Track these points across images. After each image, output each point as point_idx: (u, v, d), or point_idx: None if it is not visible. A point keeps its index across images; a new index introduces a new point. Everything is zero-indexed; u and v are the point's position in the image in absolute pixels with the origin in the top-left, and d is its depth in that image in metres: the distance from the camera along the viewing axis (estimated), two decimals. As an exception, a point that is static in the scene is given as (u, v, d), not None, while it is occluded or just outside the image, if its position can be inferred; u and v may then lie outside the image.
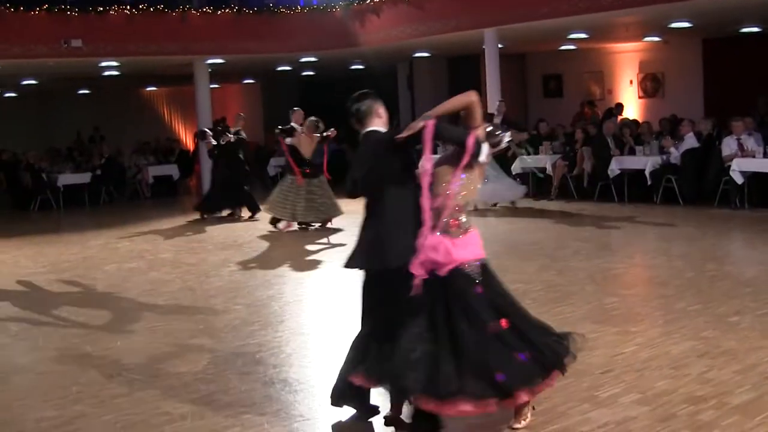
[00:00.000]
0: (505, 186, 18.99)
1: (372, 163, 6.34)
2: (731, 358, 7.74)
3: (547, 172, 20.78)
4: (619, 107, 25.24)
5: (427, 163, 6.14)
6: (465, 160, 6.12)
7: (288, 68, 29.14)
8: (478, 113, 6.27)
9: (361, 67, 29.55)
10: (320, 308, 10.81)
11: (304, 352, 8.74)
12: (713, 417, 6.34)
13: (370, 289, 6.40)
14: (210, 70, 25.23)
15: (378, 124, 6.51)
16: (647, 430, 6.13)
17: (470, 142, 6.09)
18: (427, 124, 6.03)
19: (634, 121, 22.90)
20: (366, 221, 6.42)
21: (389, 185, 6.26)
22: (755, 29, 22.21)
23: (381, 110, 6.56)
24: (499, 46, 21.77)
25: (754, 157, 17.50)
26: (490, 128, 6.45)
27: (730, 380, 7.16)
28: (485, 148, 6.24)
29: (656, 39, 24.73)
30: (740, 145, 17.76)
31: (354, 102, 6.56)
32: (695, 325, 8.90)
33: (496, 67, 21.53)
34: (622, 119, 23.18)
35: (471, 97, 6.25)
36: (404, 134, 6.13)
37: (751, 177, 17.49)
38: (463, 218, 6.30)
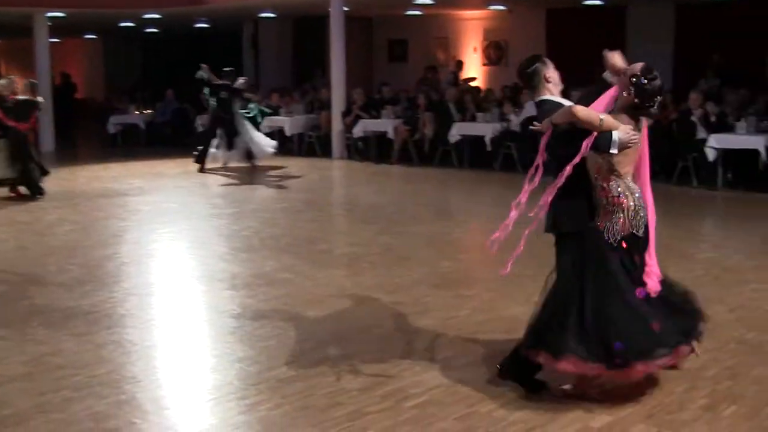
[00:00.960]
0: (256, 144, 19.27)
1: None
2: (561, 323, 7.93)
3: (388, 135, 20.88)
4: (460, 64, 25.62)
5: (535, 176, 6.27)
6: (568, 169, 6.05)
7: (131, 24, 28.60)
8: (589, 123, 5.92)
9: (206, 25, 29.21)
10: (157, 269, 10.70)
11: (139, 313, 8.61)
12: (545, 379, 6.48)
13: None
14: (50, 23, 24.57)
15: (550, 90, 6.34)
16: (477, 392, 6.24)
17: (584, 146, 5.97)
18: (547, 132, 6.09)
19: (477, 88, 23.20)
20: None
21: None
22: (597, 2, 22.67)
23: (549, 73, 6.36)
24: (346, 8, 21.75)
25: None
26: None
27: (558, 344, 7.33)
28: (616, 137, 5.96)
29: (501, 8, 25.01)
30: (578, 115, 18.15)
31: (522, 66, 6.44)
32: (529, 289, 9.00)
33: (341, 30, 21.54)
34: (464, 80, 23.43)
35: (575, 115, 5.95)
36: (534, 127, 6.18)
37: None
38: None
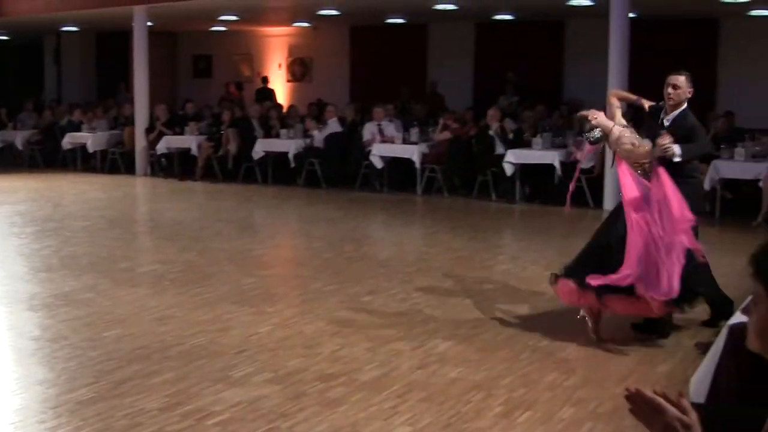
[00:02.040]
0: None
1: None
2: (362, 337, 8.03)
3: (192, 152, 20.70)
4: (265, 80, 25.81)
5: None
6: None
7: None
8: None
9: (5, 38, 28.48)
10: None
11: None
12: (342, 393, 6.57)
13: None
14: None
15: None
16: (278, 408, 6.27)
17: None
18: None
19: (279, 105, 23.28)
20: None
21: None
22: (400, 20, 23.07)
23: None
24: (149, 23, 21.54)
25: (393, 142, 18.24)
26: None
27: (360, 357, 7.43)
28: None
29: (305, 24, 25.20)
30: (380, 131, 18.45)
31: None
32: (330, 304, 9.19)
33: (144, 45, 21.32)
34: (268, 105, 23.49)
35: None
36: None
37: (391, 162, 18.21)
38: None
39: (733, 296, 8.37)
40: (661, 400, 2.56)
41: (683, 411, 2.55)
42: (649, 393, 2.59)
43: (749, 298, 2.82)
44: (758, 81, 19.37)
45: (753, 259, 2.68)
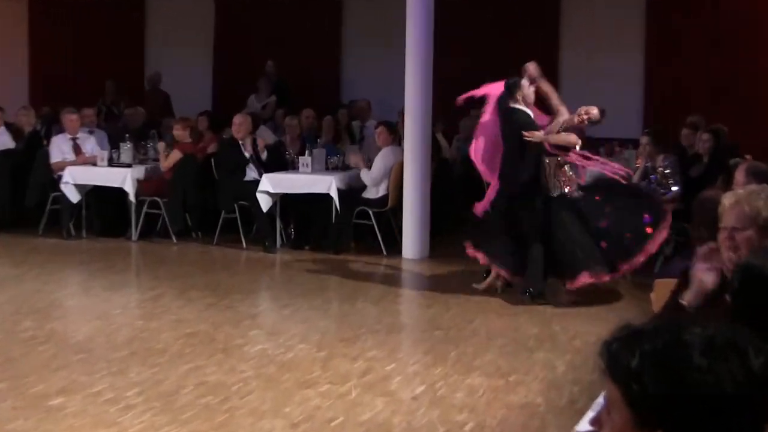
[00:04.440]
0: None
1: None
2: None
3: None
4: None
5: None
6: None
7: None
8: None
9: None
10: None
11: None
12: None
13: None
14: None
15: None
16: None
17: None
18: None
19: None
20: None
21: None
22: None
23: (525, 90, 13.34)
24: None
25: (95, 164, 17.75)
26: None
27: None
28: None
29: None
30: (76, 147, 18.01)
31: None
32: None
33: None
34: None
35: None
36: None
37: (92, 193, 17.78)
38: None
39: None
40: None
41: None
42: None
43: (599, 403, 2.82)
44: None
45: (605, 351, 2.63)
